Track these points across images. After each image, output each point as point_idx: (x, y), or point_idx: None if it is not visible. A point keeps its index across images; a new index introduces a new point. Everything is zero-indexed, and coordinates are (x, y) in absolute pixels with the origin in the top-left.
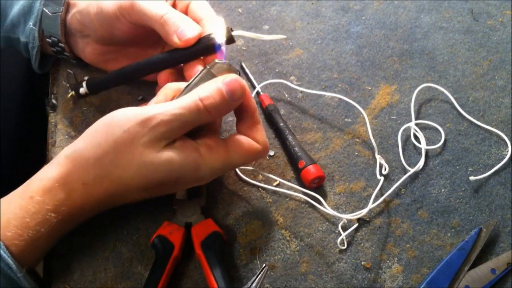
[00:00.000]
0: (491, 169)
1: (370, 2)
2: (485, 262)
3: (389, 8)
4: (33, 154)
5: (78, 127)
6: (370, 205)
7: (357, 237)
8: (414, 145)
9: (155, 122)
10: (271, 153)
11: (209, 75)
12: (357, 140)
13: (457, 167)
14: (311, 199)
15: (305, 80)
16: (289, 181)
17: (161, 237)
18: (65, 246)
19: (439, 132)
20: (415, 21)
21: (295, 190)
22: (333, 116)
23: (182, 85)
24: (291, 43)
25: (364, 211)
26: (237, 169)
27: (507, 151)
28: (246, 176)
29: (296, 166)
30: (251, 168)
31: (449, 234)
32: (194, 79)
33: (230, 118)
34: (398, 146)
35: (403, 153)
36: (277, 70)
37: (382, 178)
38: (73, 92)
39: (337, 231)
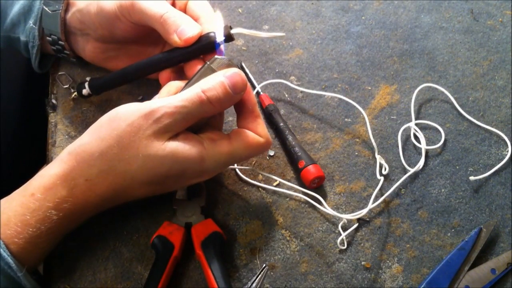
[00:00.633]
0: (491, 169)
1: (370, 2)
2: (485, 262)
3: (389, 8)
4: (33, 154)
5: (78, 127)
6: (370, 205)
7: (357, 237)
8: (414, 145)
9: (159, 114)
10: (271, 153)
11: (209, 71)
12: (357, 140)
13: (457, 167)
14: (311, 199)
15: (305, 80)
16: (289, 181)
17: (161, 237)
18: (65, 246)
19: (439, 132)
20: (415, 21)
21: (295, 190)
22: (333, 116)
23: (184, 83)
24: (291, 43)
25: (364, 211)
26: (237, 169)
27: (507, 151)
28: (246, 176)
29: (296, 166)
30: (251, 168)
31: (449, 234)
32: (195, 75)
33: (230, 118)
34: (398, 146)
35: (403, 153)
36: (277, 70)
37: (382, 178)
38: (76, 93)
39: (337, 231)
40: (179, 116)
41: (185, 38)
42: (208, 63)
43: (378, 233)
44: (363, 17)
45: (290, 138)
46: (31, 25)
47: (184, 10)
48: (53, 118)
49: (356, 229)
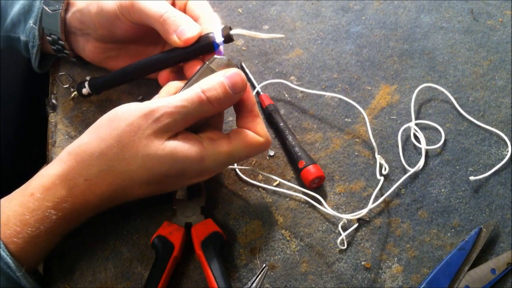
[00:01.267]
0: (491, 169)
1: (370, 2)
2: (485, 262)
3: (389, 8)
4: (33, 154)
5: (78, 127)
6: (370, 205)
7: (357, 237)
8: (414, 145)
9: (159, 114)
10: (271, 153)
11: (209, 71)
12: (357, 140)
13: (457, 167)
14: (311, 199)
15: (305, 80)
16: (289, 181)
17: (161, 237)
18: (65, 246)
19: (439, 132)
20: (415, 21)
21: (295, 190)
22: (333, 116)
23: (183, 83)
24: (291, 43)
25: (364, 211)
26: (237, 169)
27: (507, 151)
28: (246, 176)
29: (296, 166)
30: (251, 168)
31: (449, 234)
32: (194, 75)
33: (230, 118)
34: (398, 146)
35: (403, 153)
36: (277, 70)
37: (382, 178)
38: (75, 93)
39: (337, 231)
40: (178, 116)
41: (185, 39)
42: (207, 63)
43: (378, 233)
44: (363, 17)
45: (290, 138)
46: (31, 25)
47: (184, 10)
48: (53, 118)
49: (356, 229)
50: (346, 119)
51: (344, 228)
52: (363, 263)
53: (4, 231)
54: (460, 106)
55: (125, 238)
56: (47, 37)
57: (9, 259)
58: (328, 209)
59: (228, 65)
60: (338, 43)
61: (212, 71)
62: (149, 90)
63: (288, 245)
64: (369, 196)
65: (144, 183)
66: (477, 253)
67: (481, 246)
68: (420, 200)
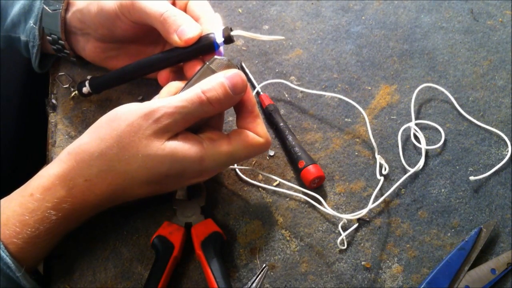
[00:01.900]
0: (491, 169)
1: (370, 2)
2: (485, 262)
3: (389, 8)
4: (33, 154)
5: (78, 127)
6: (370, 205)
7: (357, 237)
8: (414, 145)
9: (159, 115)
10: (271, 153)
11: (209, 71)
12: (357, 140)
13: (457, 167)
14: (311, 199)
15: (305, 80)
16: (289, 181)
17: (161, 237)
18: (65, 246)
19: (439, 132)
20: (415, 21)
21: (295, 190)
22: (333, 116)
23: (184, 83)
24: (291, 43)
25: (364, 211)
26: (237, 169)
27: (507, 151)
28: (246, 176)
29: (296, 166)
30: (251, 168)
31: (449, 234)
32: (195, 75)
33: (230, 118)
34: (398, 146)
35: (403, 153)
36: (277, 70)
37: (382, 178)
38: (76, 92)
39: (337, 231)
40: (178, 116)
41: (185, 39)
42: (207, 63)
43: (378, 233)
44: (363, 17)
45: (290, 138)
46: (32, 24)
47: (185, 10)
48: (53, 118)
49: (356, 229)
50: (346, 119)
51: (344, 228)
52: (363, 263)
53: (3, 232)
54: (460, 106)
55: (125, 238)
56: (47, 37)
57: (8, 260)
58: (328, 209)
59: (229, 65)
60: (338, 43)
61: (213, 71)
62: (149, 90)
63: (288, 245)
64: (369, 196)
65: (144, 183)
66: (477, 253)
67: (481, 246)
68: (420, 200)
